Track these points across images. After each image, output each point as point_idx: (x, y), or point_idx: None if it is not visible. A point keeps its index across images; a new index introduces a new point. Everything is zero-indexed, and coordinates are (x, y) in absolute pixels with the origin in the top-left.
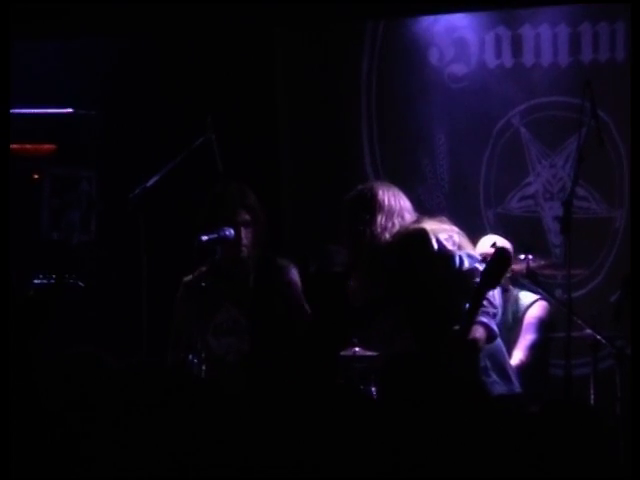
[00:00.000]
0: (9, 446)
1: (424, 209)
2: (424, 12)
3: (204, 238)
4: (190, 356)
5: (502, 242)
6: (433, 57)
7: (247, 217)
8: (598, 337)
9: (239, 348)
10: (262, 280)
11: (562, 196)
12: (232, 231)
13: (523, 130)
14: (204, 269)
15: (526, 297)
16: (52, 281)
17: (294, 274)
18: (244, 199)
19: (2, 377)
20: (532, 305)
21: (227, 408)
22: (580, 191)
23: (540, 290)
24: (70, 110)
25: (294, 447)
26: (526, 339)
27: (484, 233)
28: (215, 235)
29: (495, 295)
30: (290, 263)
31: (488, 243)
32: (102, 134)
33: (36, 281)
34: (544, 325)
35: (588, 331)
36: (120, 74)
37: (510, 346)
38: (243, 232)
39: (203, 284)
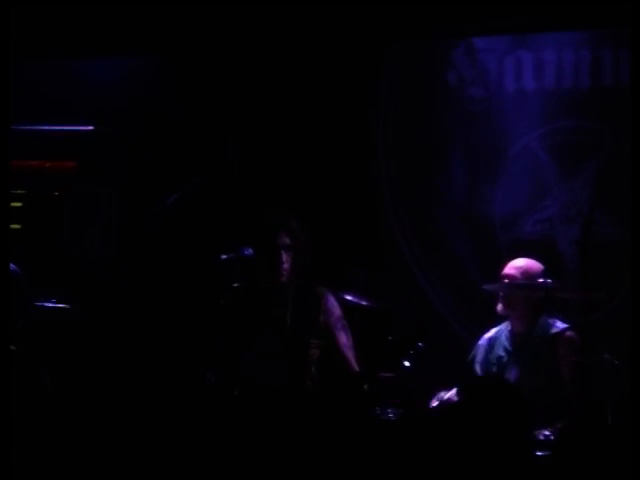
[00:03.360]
0: (9, 446)
1: (440, 231)
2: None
3: (223, 257)
4: (209, 375)
5: (532, 263)
6: (452, 79)
7: (288, 241)
8: (616, 362)
9: (277, 375)
10: (301, 307)
11: (578, 220)
12: (251, 251)
13: (541, 153)
14: (242, 292)
15: (557, 323)
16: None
17: (332, 302)
18: (285, 223)
19: (2, 377)
20: (565, 331)
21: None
22: (596, 215)
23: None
24: (91, 128)
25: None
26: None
27: (498, 256)
28: (234, 255)
29: None
30: (328, 290)
31: (516, 264)
32: (123, 152)
33: (47, 304)
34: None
35: (606, 356)
36: (142, 92)
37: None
38: (284, 256)
39: (239, 309)
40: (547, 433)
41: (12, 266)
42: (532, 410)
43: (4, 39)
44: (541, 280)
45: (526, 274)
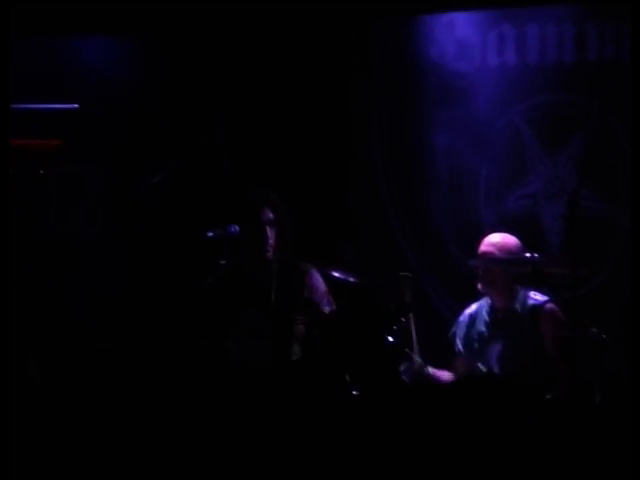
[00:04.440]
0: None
1: (424, 207)
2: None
3: (210, 234)
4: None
5: (508, 238)
6: (434, 55)
7: (271, 216)
8: (603, 336)
9: (260, 354)
10: (285, 285)
11: (562, 195)
12: (237, 228)
13: (524, 128)
14: (228, 270)
15: (536, 296)
16: None
17: (316, 278)
18: (268, 198)
19: (2, 377)
20: (545, 304)
21: (244, 412)
22: (582, 190)
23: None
24: (76, 106)
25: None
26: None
27: (483, 232)
28: (221, 232)
29: None
30: (313, 267)
31: (492, 240)
32: (108, 130)
33: None
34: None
35: (594, 330)
36: (127, 71)
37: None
38: (268, 232)
39: (226, 286)
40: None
41: None
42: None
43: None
44: (528, 255)
45: (503, 249)
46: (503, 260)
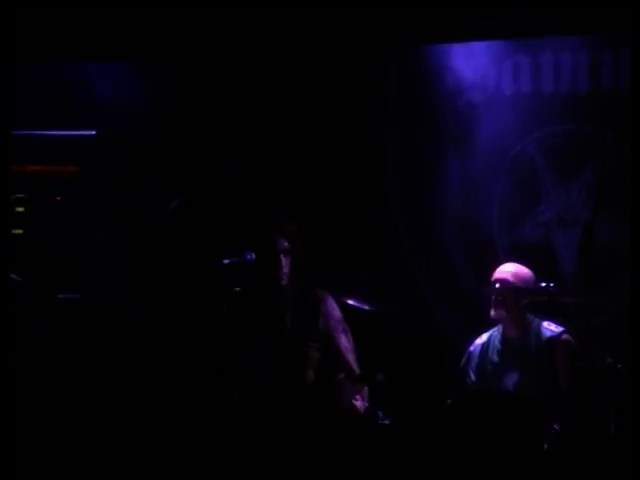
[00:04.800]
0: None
1: (438, 237)
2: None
3: (225, 261)
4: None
5: (522, 267)
6: (449, 83)
7: (286, 245)
8: (619, 366)
9: (274, 379)
10: (300, 311)
11: (575, 224)
12: (253, 255)
13: (538, 157)
14: (241, 297)
15: (550, 326)
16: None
17: (331, 305)
18: (284, 226)
19: (2, 377)
20: (561, 335)
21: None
22: (596, 218)
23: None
24: (92, 132)
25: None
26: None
27: (497, 260)
28: (236, 259)
29: None
30: (328, 294)
31: (507, 268)
32: (125, 156)
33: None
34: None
35: (609, 360)
36: (144, 98)
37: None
38: (283, 260)
39: (241, 313)
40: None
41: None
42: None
43: (4, 44)
44: (543, 284)
45: (518, 277)
46: (518, 287)
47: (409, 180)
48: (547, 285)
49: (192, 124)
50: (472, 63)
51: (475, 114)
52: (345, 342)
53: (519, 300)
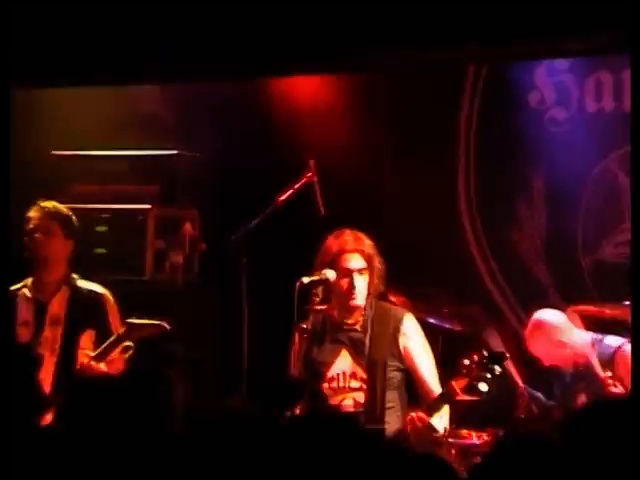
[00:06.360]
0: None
1: (520, 256)
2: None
3: (305, 280)
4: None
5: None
6: (534, 100)
7: (362, 265)
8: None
9: (354, 398)
10: (379, 330)
11: None
12: (334, 273)
13: (621, 175)
14: (319, 315)
15: (612, 340)
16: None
17: (412, 324)
18: (359, 245)
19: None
20: (623, 347)
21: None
22: None
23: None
24: (175, 152)
25: None
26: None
27: (581, 281)
28: (317, 277)
29: None
30: (407, 311)
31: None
32: (206, 176)
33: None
34: None
35: None
36: (224, 116)
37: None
38: (356, 279)
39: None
40: None
41: (100, 288)
42: None
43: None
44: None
45: None
46: None
47: (493, 200)
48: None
49: (273, 141)
50: (556, 79)
51: (559, 132)
52: (426, 362)
53: None
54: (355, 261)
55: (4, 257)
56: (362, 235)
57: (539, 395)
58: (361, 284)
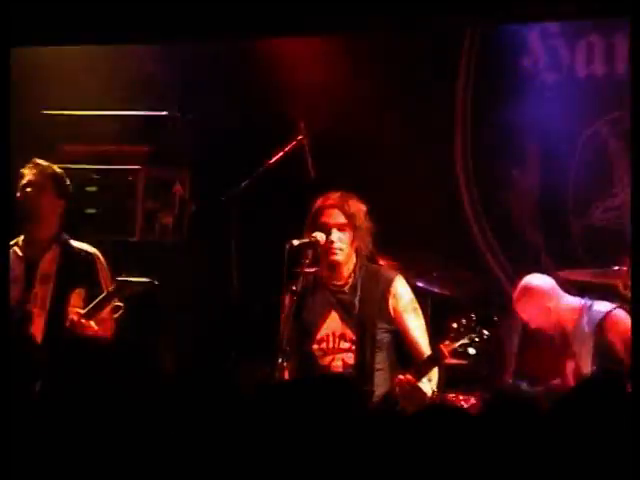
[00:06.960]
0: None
1: (512, 218)
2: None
3: (295, 242)
4: (280, 360)
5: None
6: (527, 63)
7: (342, 220)
8: None
9: (344, 359)
10: (369, 292)
11: None
12: (323, 235)
13: (611, 140)
14: (310, 277)
15: (601, 306)
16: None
17: (402, 285)
18: (341, 201)
19: (3, 377)
20: (612, 312)
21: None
22: None
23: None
24: (165, 113)
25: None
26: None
27: (571, 244)
28: (307, 240)
29: None
30: (397, 273)
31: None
32: (196, 136)
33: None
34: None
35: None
36: (215, 77)
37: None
38: (335, 235)
39: (308, 292)
40: None
41: (91, 248)
42: None
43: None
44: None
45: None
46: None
47: (486, 164)
48: (619, 268)
49: (264, 103)
50: (548, 44)
51: (550, 96)
52: (416, 323)
53: None
54: (334, 217)
55: (4, 254)
56: (351, 195)
57: (524, 385)
58: (340, 239)
